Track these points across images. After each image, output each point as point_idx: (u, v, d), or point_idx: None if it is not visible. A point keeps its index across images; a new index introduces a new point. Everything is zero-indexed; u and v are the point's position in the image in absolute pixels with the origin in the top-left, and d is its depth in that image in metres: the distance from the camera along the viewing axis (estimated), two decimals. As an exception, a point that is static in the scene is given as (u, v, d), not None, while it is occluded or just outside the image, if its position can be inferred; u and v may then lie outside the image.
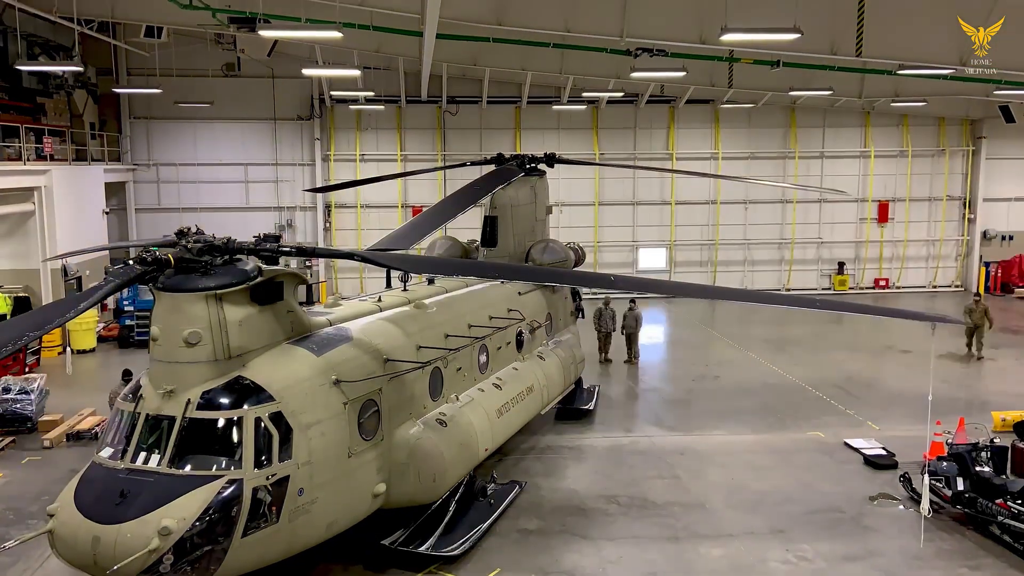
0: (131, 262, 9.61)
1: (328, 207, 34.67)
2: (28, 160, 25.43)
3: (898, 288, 36.74)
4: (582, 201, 35.05)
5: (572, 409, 18.47)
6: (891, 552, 12.14)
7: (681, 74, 24.09)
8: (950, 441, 14.35)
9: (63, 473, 14.15)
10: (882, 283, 36.67)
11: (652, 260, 35.87)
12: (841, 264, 36.51)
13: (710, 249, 36.01)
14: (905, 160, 36.14)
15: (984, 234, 36.49)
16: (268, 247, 10.28)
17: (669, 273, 35.72)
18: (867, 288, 36.71)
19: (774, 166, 35.79)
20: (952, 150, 36.22)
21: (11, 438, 16.95)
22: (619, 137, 35.40)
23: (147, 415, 9.36)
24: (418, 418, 12.04)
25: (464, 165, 21.85)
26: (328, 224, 34.75)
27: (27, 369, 21.33)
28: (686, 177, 33.75)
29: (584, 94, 32.81)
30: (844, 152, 36.04)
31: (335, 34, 17.96)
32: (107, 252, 28.77)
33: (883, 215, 36.25)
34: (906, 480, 14.23)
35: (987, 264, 36.19)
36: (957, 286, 36.95)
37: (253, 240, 10.37)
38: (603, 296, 24.12)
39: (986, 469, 13.04)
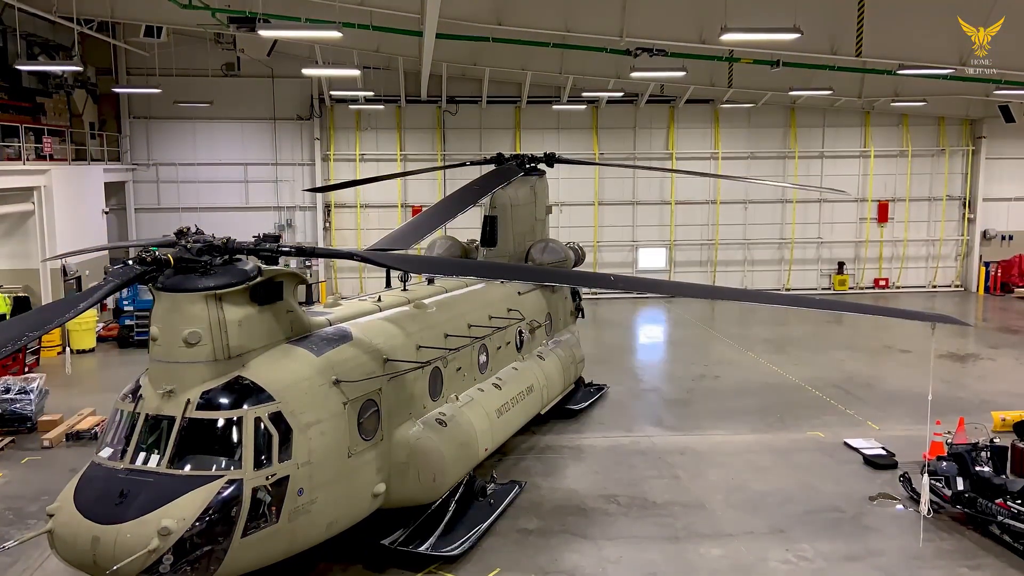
0: (131, 262, 9.59)
1: (328, 207, 34.66)
2: (28, 160, 25.41)
3: (898, 288, 36.75)
4: (582, 201, 35.04)
5: (562, 408, 18.34)
6: (891, 552, 12.13)
7: (681, 74, 24.10)
8: (950, 441, 14.35)
9: (63, 473, 14.10)
10: (882, 283, 36.67)
11: (652, 260, 35.88)
12: (841, 264, 36.51)
13: (710, 249, 36.00)
14: (905, 160, 36.14)
15: (984, 234, 36.48)
16: (268, 247, 10.27)
17: (669, 273, 35.72)
18: (867, 288, 36.71)
19: (774, 166, 35.77)
20: (952, 150, 36.21)
21: (11, 438, 16.93)
22: (619, 137, 35.39)
23: (147, 415, 9.34)
24: (418, 418, 12.03)
25: (464, 165, 21.81)
26: (328, 224, 34.73)
27: (27, 369, 21.32)
28: (686, 177, 33.74)
29: (584, 94, 32.81)
30: (844, 152, 36.03)
31: (335, 34, 17.98)
32: (107, 252, 28.79)
33: (883, 215, 36.25)
34: (906, 480, 14.22)
35: (987, 264, 36.21)
36: (957, 286, 36.97)
37: (253, 240, 10.36)
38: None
39: (986, 469, 13.03)
